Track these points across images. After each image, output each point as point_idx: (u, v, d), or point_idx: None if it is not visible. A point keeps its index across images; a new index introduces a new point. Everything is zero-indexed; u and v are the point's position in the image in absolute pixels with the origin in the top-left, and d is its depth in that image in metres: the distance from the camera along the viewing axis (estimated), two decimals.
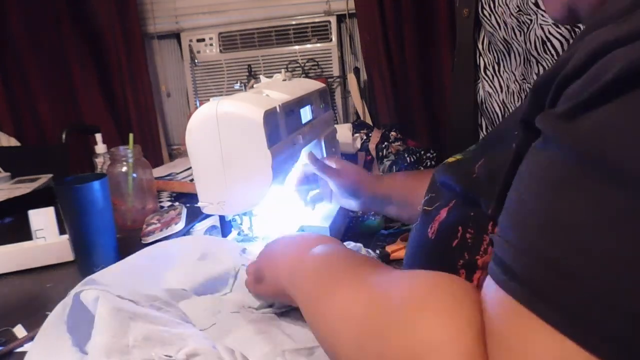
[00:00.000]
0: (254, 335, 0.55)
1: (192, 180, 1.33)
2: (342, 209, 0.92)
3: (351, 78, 1.88)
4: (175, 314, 0.54)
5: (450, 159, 0.54)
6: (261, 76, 0.94)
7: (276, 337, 0.55)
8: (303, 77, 1.94)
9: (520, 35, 0.93)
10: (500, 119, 1.04)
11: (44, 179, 1.33)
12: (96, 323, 0.47)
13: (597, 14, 0.34)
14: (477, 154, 0.48)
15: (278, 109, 0.72)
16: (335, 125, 1.07)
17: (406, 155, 1.20)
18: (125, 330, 0.46)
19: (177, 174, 1.42)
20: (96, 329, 0.47)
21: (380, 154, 1.23)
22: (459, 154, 0.55)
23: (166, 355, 0.44)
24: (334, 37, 2.01)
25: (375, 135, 1.28)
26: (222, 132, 0.67)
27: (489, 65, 1.06)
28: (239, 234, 0.80)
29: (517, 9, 0.92)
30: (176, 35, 2.18)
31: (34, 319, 0.73)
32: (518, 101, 0.99)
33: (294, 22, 2.04)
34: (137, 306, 0.51)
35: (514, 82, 1.00)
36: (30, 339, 0.67)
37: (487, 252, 0.40)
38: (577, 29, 0.84)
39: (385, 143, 1.25)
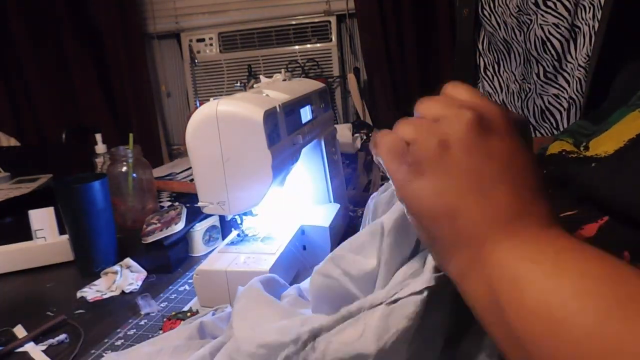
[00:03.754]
0: None
1: (192, 180, 1.33)
2: (343, 209, 0.92)
3: (351, 78, 1.88)
4: None
5: (557, 145, 0.45)
6: (261, 76, 0.94)
7: None
8: (303, 77, 1.94)
9: (520, 35, 0.93)
10: None
11: (44, 179, 1.33)
12: None
13: None
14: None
15: (278, 109, 0.72)
16: (335, 125, 1.07)
17: None
18: None
19: (177, 174, 1.42)
20: None
21: None
22: (566, 137, 0.47)
23: None
24: (334, 37, 2.01)
25: None
26: (222, 132, 0.67)
27: (489, 65, 1.06)
28: (238, 234, 0.80)
29: (517, 9, 0.92)
30: (176, 35, 2.18)
31: (34, 319, 0.73)
32: (518, 101, 0.99)
33: (294, 22, 2.04)
34: None
35: (514, 82, 1.00)
36: (30, 339, 0.67)
37: None
38: (576, 29, 0.84)
39: None
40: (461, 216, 0.30)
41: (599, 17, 0.77)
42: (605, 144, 0.44)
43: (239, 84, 1.99)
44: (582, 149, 0.47)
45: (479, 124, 0.31)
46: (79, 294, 0.80)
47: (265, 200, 0.71)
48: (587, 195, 0.39)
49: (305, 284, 0.65)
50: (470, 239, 0.30)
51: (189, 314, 0.70)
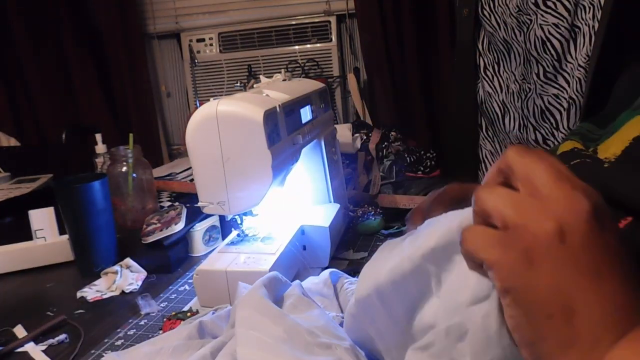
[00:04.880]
0: None
1: (192, 180, 1.33)
2: (342, 209, 0.92)
3: (351, 78, 1.88)
4: None
5: (569, 144, 0.46)
6: (261, 76, 0.94)
7: None
8: (303, 77, 1.94)
9: (520, 35, 0.93)
10: (500, 119, 1.04)
11: (44, 179, 1.33)
12: None
13: None
14: None
15: (278, 109, 0.72)
16: (335, 125, 1.07)
17: (406, 155, 1.20)
18: None
19: (177, 174, 1.42)
20: None
21: (380, 154, 1.23)
22: (576, 138, 0.48)
23: None
24: (334, 37, 2.01)
25: (375, 135, 1.27)
26: (222, 132, 0.67)
27: (488, 65, 1.06)
28: (238, 234, 0.80)
29: (517, 9, 0.92)
30: (176, 35, 2.17)
31: (34, 319, 0.73)
32: (518, 101, 0.99)
33: (294, 22, 2.04)
34: None
35: (514, 82, 1.00)
36: (30, 339, 0.67)
37: None
38: (576, 29, 0.84)
39: (385, 143, 1.25)
40: (579, 315, 0.27)
41: (599, 17, 0.77)
42: (612, 147, 0.44)
43: (239, 84, 1.99)
44: (591, 152, 0.47)
45: (596, 214, 0.28)
46: (79, 294, 0.80)
47: (265, 200, 0.71)
48: (604, 196, 0.39)
49: (307, 283, 0.66)
50: (584, 341, 0.27)
51: (189, 314, 0.70)
